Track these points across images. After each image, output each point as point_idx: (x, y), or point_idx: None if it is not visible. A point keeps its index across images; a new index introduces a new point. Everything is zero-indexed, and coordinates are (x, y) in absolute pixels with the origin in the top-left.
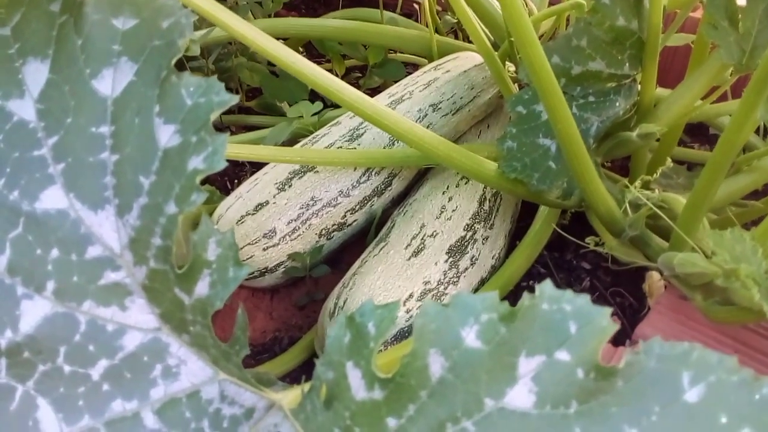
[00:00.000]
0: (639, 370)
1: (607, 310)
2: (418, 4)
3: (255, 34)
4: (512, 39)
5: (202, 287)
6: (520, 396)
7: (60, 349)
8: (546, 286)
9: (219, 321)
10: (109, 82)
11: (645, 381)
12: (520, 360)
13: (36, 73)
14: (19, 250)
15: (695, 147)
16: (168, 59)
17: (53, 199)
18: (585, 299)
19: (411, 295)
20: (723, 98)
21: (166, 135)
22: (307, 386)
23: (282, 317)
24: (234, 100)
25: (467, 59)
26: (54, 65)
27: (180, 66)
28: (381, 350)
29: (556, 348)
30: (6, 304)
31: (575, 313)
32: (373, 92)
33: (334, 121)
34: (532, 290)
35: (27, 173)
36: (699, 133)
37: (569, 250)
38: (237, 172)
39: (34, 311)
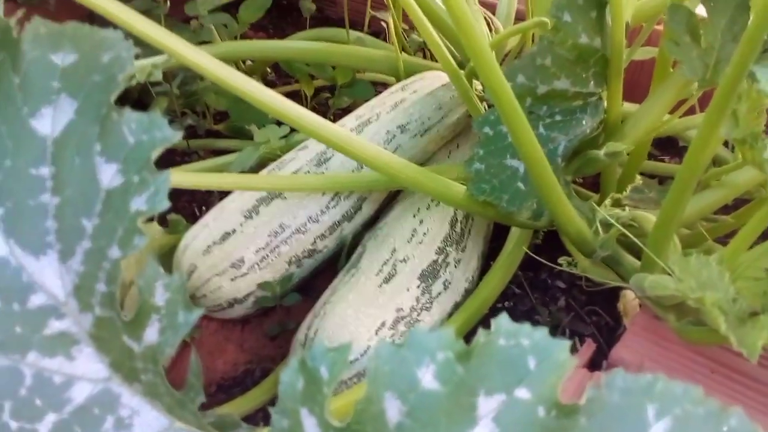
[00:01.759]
0: (602, 405)
1: (566, 344)
2: (386, 22)
3: (208, 62)
4: None
5: (151, 334)
6: None
7: (5, 405)
8: (502, 320)
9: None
10: (49, 121)
11: (609, 417)
12: (479, 400)
13: None
14: None
15: (666, 160)
16: (108, 95)
17: None
18: (543, 333)
19: (383, 324)
20: (692, 111)
21: (108, 175)
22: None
23: (253, 348)
24: (177, 136)
25: (434, 79)
26: None
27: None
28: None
29: (516, 385)
30: None
31: (533, 348)
32: (343, 112)
33: (301, 145)
34: (507, 312)
35: None
36: (669, 146)
37: (544, 269)
38: (205, 198)
39: None
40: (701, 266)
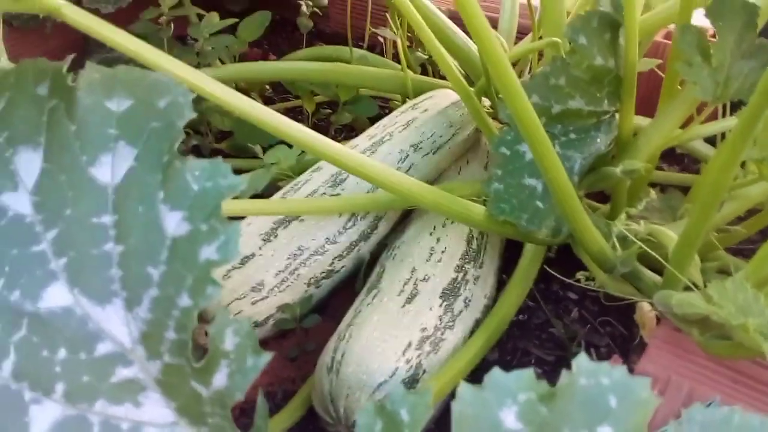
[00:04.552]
0: None
1: (646, 381)
2: (384, 38)
3: (214, 88)
4: (486, 75)
5: (220, 379)
6: None
7: None
8: (582, 360)
9: None
10: (108, 169)
11: None
12: None
13: (29, 163)
14: (24, 353)
15: (665, 168)
16: (169, 142)
17: (57, 296)
18: (621, 371)
19: (410, 344)
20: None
21: (173, 223)
22: None
23: (273, 371)
24: (243, 183)
25: (444, 97)
26: (47, 154)
27: None
28: None
29: (599, 424)
30: (13, 412)
31: (613, 387)
32: (343, 127)
33: (315, 167)
34: (522, 325)
35: (27, 271)
36: (666, 154)
37: (555, 281)
38: None
39: (44, 417)
40: (737, 290)
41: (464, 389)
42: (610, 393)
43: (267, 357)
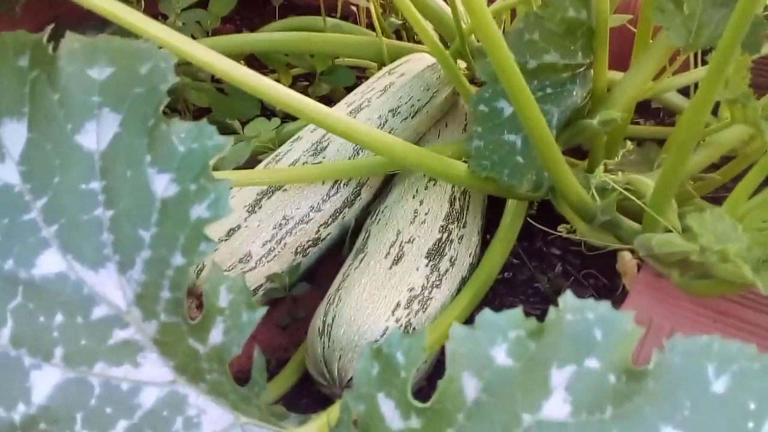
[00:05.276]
0: (667, 368)
1: (630, 315)
2: (356, 6)
3: (207, 55)
4: (461, 37)
5: (216, 335)
6: (556, 407)
7: (77, 416)
8: (568, 298)
9: None
10: (94, 136)
11: (674, 378)
12: (551, 372)
13: (14, 134)
14: (21, 320)
15: (641, 122)
16: (153, 107)
17: (50, 263)
18: (606, 306)
19: (398, 304)
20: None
21: (162, 185)
22: (323, 418)
23: (265, 339)
24: (228, 143)
25: (420, 61)
26: (32, 124)
27: None
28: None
29: (586, 356)
30: (15, 378)
31: (599, 321)
32: (321, 99)
33: (295, 137)
34: (508, 283)
35: (19, 239)
36: (642, 108)
37: (538, 238)
38: None
39: (45, 381)
40: (715, 221)
41: (457, 329)
42: (596, 327)
43: (262, 311)
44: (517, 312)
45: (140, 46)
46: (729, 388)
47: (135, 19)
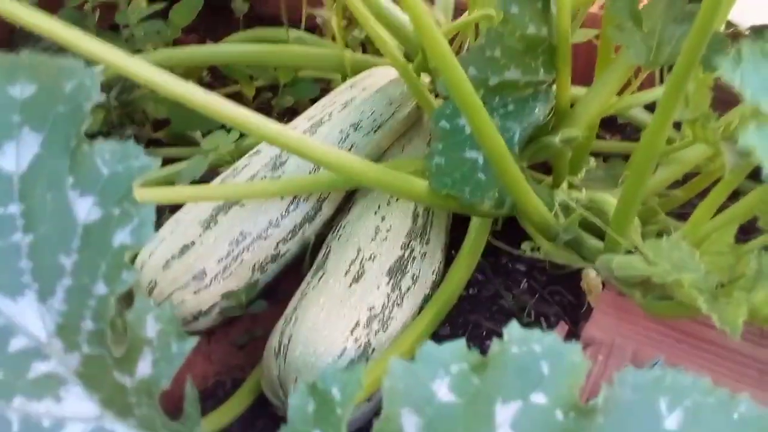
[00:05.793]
0: (616, 403)
1: (577, 347)
2: (322, 18)
3: (147, 71)
4: (424, 52)
5: (144, 367)
6: None
7: None
8: (513, 329)
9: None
10: (13, 158)
11: (624, 413)
12: (496, 408)
13: None
14: None
15: (607, 138)
16: (76, 126)
17: None
18: (553, 337)
19: (357, 323)
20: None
21: (84, 209)
22: None
23: (222, 359)
24: (156, 162)
25: (382, 75)
26: None
27: None
28: None
29: (532, 391)
30: None
31: (545, 353)
32: (286, 111)
33: (254, 150)
34: (472, 299)
35: None
36: (609, 124)
37: (503, 254)
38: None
39: None
40: (672, 248)
41: (395, 363)
42: (542, 360)
43: (192, 342)
44: (460, 344)
45: (64, 63)
46: (682, 424)
47: (69, 35)
